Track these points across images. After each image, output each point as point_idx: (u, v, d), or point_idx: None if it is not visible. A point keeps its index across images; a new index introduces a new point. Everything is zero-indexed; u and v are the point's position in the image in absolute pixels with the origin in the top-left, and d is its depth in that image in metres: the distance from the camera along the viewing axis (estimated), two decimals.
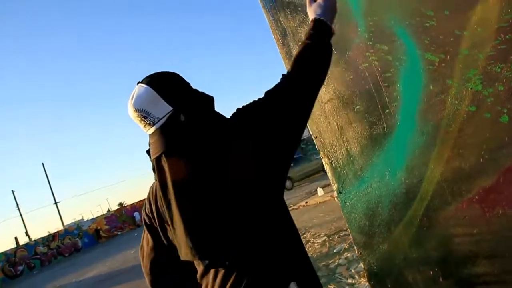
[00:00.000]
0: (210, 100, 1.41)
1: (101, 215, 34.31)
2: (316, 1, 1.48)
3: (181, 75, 1.46)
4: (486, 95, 1.46)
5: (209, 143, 1.31)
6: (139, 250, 1.59)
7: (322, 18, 1.43)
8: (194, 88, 1.44)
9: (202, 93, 1.43)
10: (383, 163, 1.80)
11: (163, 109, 1.31)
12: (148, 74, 1.40)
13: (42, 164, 40.31)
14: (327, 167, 2.03)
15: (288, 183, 19.47)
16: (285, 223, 1.37)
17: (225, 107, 1.49)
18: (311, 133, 2.07)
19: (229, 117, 1.41)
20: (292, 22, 1.99)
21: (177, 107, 1.32)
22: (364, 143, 1.85)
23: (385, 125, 1.75)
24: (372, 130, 1.80)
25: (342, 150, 1.94)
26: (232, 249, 1.30)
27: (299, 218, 9.70)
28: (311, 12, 1.47)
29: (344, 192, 1.98)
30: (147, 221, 1.53)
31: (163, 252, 1.50)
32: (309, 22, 1.46)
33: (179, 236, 1.35)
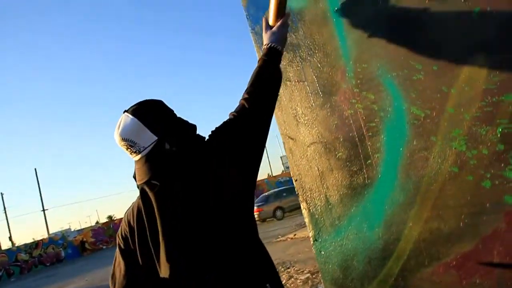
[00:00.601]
0: (192, 128, 1.51)
1: (89, 227, 33.82)
2: (271, 29, 1.65)
3: (165, 102, 1.53)
4: (470, 156, 1.40)
5: (192, 168, 1.40)
6: (110, 280, 1.54)
7: (274, 45, 1.61)
8: (178, 116, 1.52)
9: (185, 121, 1.51)
10: (361, 215, 1.72)
11: (148, 138, 1.39)
12: (135, 102, 1.47)
13: (35, 169, 40.01)
14: (304, 212, 1.96)
15: (279, 213, 19.28)
16: (256, 237, 1.48)
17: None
18: (292, 175, 2.00)
19: (207, 137, 1.52)
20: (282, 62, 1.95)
21: (161, 136, 1.39)
22: (344, 192, 1.77)
23: (366, 176, 1.69)
24: (353, 180, 1.73)
25: (321, 196, 1.86)
26: (213, 270, 1.37)
27: (285, 251, 9.52)
28: (266, 39, 1.65)
29: (320, 240, 1.89)
30: (122, 245, 1.52)
31: (136, 278, 1.49)
32: (263, 47, 1.64)
33: (161, 258, 1.39)
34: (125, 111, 1.45)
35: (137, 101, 1.48)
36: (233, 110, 1.55)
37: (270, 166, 60.07)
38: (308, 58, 1.82)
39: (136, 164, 1.44)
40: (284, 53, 1.91)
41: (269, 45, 1.60)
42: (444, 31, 1.41)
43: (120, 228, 1.56)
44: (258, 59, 1.63)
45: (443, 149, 1.46)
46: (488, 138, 1.36)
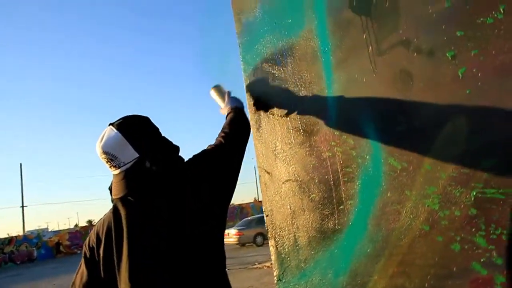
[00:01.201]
0: (175, 149, 1.51)
1: (66, 229, 33.20)
2: (226, 102, 1.95)
3: (151, 120, 1.55)
4: (442, 216, 1.37)
5: (169, 190, 1.39)
6: (70, 286, 1.52)
7: (238, 106, 1.89)
8: (162, 135, 1.53)
9: (169, 141, 1.51)
10: (328, 261, 1.67)
11: (130, 155, 1.39)
12: (120, 116, 1.48)
13: (20, 164, 39.46)
14: (272, 249, 1.90)
15: (259, 239, 19.07)
16: (223, 267, 1.49)
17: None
18: (263, 209, 1.95)
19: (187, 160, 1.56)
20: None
21: (143, 154, 1.40)
22: (313, 235, 1.72)
23: (337, 222, 1.64)
24: (323, 223, 1.69)
25: (290, 236, 1.81)
26: None
27: (260, 279, 9.36)
28: (226, 110, 1.92)
29: (283, 280, 1.83)
30: (87, 254, 1.50)
31: None
32: (228, 115, 1.88)
33: (122, 276, 1.36)
34: (111, 124, 1.45)
35: (124, 115, 1.48)
36: (211, 143, 1.67)
37: (257, 190, 59.82)
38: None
39: (114, 178, 1.44)
40: None
41: (234, 107, 1.90)
42: (432, 90, 1.39)
43: (88, 237, 1.53)
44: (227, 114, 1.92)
45: (416, 205, 1.43)
46: (461, 200, 1.33)
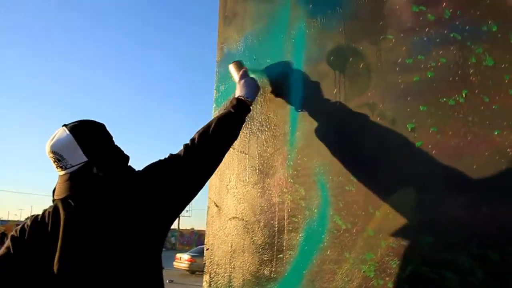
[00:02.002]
0: (125, 158, 1.49)
1: (16, 221, 31.82)
2: (242, 81, 1.70)
3: (106, 127, 1.52)
4: (375, 285, 1.34)
5: (113, 197, 1.37)
6: None
7: (245, 99, 1.64)
8: (115, 143, 1.51)
9: (121, 150, 1.50)
10: None
11: (78, 157, 1.37)
12: (76, 120, 1.47)
13: None
14: (205, 285, 1.83)
15: None
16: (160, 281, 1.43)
17: None
18: (205, 242, 1.90)
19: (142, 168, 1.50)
20: None
21: (92, 159, 1.38)
22: (248, 279, 1.67)
23: (273, 270, 1.60)
24: (260, 269, 1.64)
25: (226, 275, 1.75)
26: None
27: None
28: (239, 90, 1.68)
29: None
30: (16, 235, 1.42)
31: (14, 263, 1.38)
32: (234, 98, 1.65)
33: (51, 273, 1.31)
34: (65, 125, 1.44)
35: (81, 119, 1.48)
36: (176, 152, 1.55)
37: None
38: (257, 133, 1.78)
39: (59, 179, 1.42)
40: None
41: (241, 98, 1.64)
42: (388, 158, 1.40)
43: (23, 224, 1.49)
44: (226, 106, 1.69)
45: (353, 268, 1.40)
46: (396, 273, 1.31)
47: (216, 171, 1.62)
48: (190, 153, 1.49)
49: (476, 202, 1.19)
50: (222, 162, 1.59)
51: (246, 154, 1.80)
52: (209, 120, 1.60)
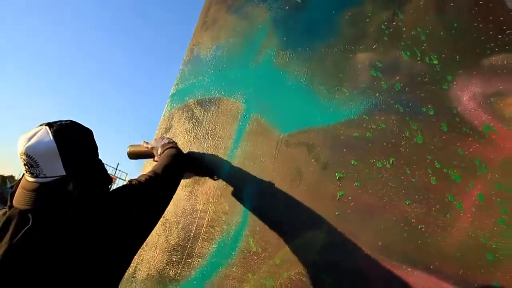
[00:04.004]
0: (107, 180, 1.35)
1: None
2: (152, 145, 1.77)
3: (93, 134, 1.36)
4: None
5: (79, 217, 1.20)
6: None
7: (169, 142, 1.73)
8: (99, 156, 1.35)
9: (104, 168, 1.36)
10: None
11: (55, 170, 1.18)
12: (61, 120, 1.27)
13: None
14: None
15: None
16: None
17: None
18: None
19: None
20: (178, 127, 1.95)
21: (70, 175, 1.19)
22: (152, 275, 1.70)
23: (179, 272, 1.64)
24: (166, 268, 1.68)
25: (132, 265, 1.77)
26: None
27: None
28: (159, 150, 1.72)
29: None
30: None
31: None
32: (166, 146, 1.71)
33: None
34: (48, 125, 1.23)
35: (68, 120, 1.29)
36: (135, 178, 1.48)
37: None
38: (201, 139, 1.84)
39: (24, 183, 1.21)
40: (186, 122, 1.92)
41: (172, 145, 1.72)
42: (312, 196, 1.50)
43: None
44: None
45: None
46: None
47: (151, 164, 1.64)
48: (155, 182, 1.47)
49: (376, 256, 1.30)
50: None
51: None
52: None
